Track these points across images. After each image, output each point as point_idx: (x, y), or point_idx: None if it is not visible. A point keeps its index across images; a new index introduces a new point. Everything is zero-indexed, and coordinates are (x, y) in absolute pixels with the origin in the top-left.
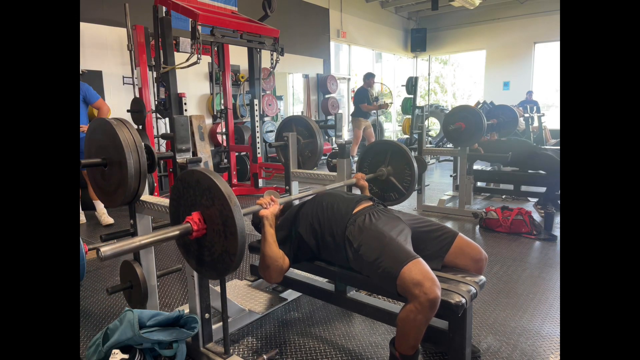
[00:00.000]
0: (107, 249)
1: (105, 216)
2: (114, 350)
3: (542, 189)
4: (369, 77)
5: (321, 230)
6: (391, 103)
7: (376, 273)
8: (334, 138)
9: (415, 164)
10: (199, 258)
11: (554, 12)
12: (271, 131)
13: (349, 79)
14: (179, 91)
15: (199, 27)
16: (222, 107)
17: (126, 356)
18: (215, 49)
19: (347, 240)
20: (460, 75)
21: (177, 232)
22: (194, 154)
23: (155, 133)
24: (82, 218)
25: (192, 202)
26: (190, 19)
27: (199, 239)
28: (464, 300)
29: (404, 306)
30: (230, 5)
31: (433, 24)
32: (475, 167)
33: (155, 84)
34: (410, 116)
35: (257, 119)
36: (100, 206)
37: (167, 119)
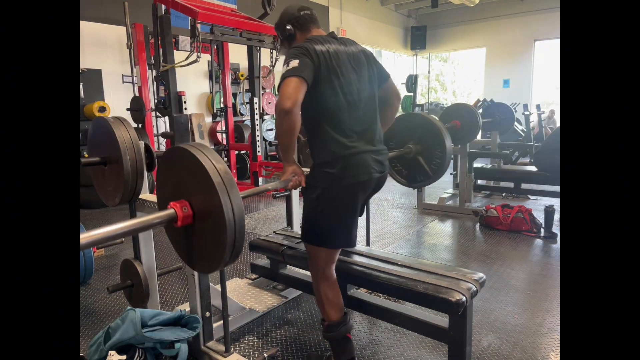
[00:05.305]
0: (85, 236)
1: None
2: (111, 352)
3: (543, 187)
4: None
5: None
6: None
7: None
8: None
9: (447, 144)
10: (189, 250)
11: (553, 9)
12: (271, 129)
13: None
14: (178, 89)
15: (199, 25)
16: (222, 106)
17: (124, 357)
18: (215, 47)
19: None
20: (460, 73)
21: (159, 220)
22: None
23: (155, 132)
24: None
25: (178, 185)
26: (190, 17)
27: (187, 227)
28: (464, 298)
29: None
30: (229, 4)
31: (433, 21)
32: (475, 164)
33: (154, 83)
34: None
35: (257, 117)
36: None
37: (166, 118)
